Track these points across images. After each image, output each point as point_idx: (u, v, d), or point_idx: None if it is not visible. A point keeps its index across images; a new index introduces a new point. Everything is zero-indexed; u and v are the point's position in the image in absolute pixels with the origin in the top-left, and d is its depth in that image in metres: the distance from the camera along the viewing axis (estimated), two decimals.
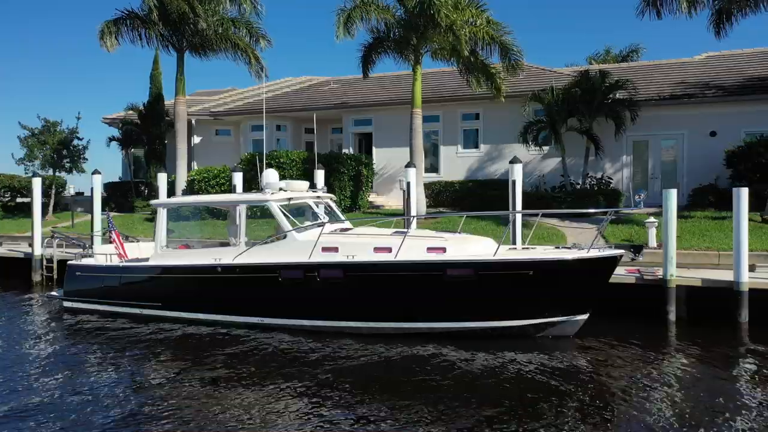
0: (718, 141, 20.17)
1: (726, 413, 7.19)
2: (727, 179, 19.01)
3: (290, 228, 10.98)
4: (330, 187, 20.23)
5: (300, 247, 10.66)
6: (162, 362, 9.52)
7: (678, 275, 11.71)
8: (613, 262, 9.92)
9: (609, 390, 8.07)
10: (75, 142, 25.00)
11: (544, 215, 15.73)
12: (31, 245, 17.54)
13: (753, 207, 16.35)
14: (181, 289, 11.62)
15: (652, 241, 14.08)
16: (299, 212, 12.14)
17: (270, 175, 12.41)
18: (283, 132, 26.62)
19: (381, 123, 24.54)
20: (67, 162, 24.81)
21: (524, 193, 20.55)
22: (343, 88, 27.24)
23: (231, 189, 20.46)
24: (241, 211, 11.40)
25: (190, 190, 21.68)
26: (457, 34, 16.45)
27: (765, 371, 8.89)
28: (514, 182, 12.66)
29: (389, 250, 10.24)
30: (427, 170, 23.92)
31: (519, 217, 12.72)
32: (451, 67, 23.19)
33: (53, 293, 13.69)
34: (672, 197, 11.82)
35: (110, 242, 13.92)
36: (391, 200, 23.27)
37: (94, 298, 12.58)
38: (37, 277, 17.46)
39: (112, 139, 26.92)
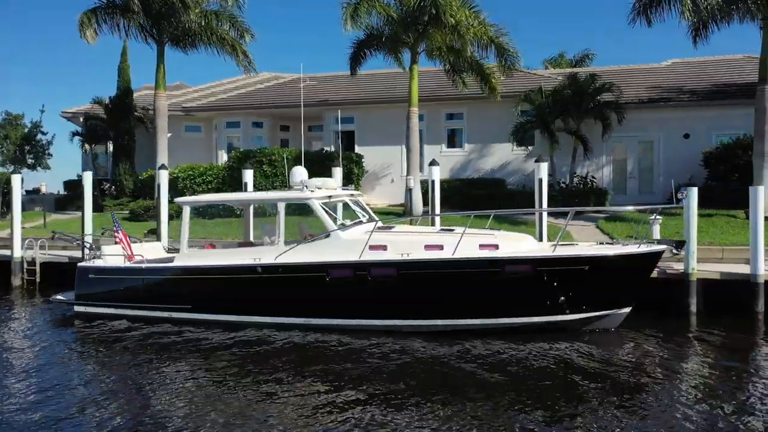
0: (691, 143, 21.37)
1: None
2: (704, 179, 20.18)
3: (334, 226, 10.76)
4: None
5: (347, 245, 10.47)
6: (200, 367, 9.07)
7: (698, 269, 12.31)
8: (658, 257, 10.34)
9: (655, 379, 8.46)
10: (39, 136, 23.46)
11: (547, 213, 16.05)
12: (10, 247, 16.36)
13: (733, 205, 17.52)
14: (215, 290, 11.14)
15: (657, 237, 14.73)
16: (332, 210, 11.91)
17: (300, 173, 12.14)
18: (260, 129, 26.00)
19: (364, 121, 24.43)
20: (30, 158, 23.25)
21: (512, 192, 21.29)
22: (321, 86, 26.91)
23: (220, 187, 19.94)
24: (281, 209, 11.06)
25: (172, 187, 20.80)
26: (462, 34, 16.60)
27: None
28: (540, 180, 12.92)
29: (441, 247, 10.23)
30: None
31: (545, 215, 13.01)
32: (435, 67, 23.53)
33: (59, 297, 12.80)
34: (693, 195, 12.41)
35: (115, 243, 13.19)
36: (374, 198, 23.20)
37: (112, 301, 11.86)
38: (17, 281, 16.27)
39: (75, 134, 25.47)
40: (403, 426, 6.75)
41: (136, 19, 19.84)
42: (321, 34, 73.07)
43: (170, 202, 20.28)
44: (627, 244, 10.41)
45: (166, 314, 11.44)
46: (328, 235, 10.74)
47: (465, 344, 9.62)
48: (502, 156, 23.01)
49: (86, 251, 14.05)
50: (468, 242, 10.18)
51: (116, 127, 24.29)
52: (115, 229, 13.24)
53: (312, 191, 11.17)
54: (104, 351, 10.10)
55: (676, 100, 21.57)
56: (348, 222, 11.37)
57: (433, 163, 14.41)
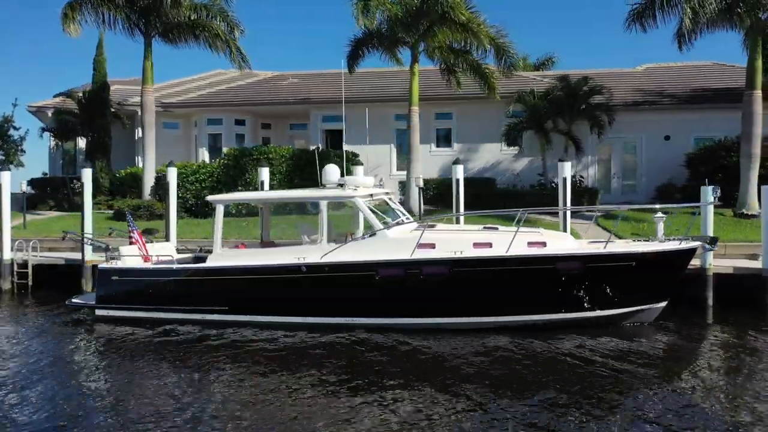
0: (671, 145, 22.36)
1: None
2: (686, 179, 21.17)
3: (380, 225, 10.67)
4: (318, 183, 19.71)
5: (394, 244, 10.41)
6: (247, 371, 8.70)
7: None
8: (693, 253, 10.79)
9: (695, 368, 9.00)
10: (11, 131, 22.16)
11: (550, 211, 16.39)
12: None
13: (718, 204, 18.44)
14: (256, 291, 10.83)
15: (660, 235, 15.34)
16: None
17: (334, 172, 11.99)
18: (242, 127, 25.41)
19: (352, 119, 24.24)
20: (1, 154, 21.93)
21: (502, 191, 21.67)
22: (305, 83, 26.59)
23: (215, 186, 19.38)
24: (323, 208, 10.87)
25: (162, 186, 20.07)
26: (475, 32, 16.76)
27: None
28: (564, 179, 13.23)
29: (490, 245, 10.32)
30: (399, 168, 24.14)
31: (569, 214, 13.34)
32: (425, 67, 23.65)
33: (76, 301, 12.15)
34: (709, 194, 12.99)
35: (130, 243, 12.64)
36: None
37: (139, 304, 11.35)
38: (6, 285, 15.34)
39: (45, 129, 24.18)
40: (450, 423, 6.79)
41: (122, 11, 19.03)
42: (299, 32, 72.13)
43: (161, 201, 19.68)
44: (664, 241, 10.80)
45: (199, 316, 11.04)
46: (373, 234, 10.65)
47: (501, 340, 9.75)
48: (491, 156, 23.38)
49: (96, 252, 13.36)
50: (516, 240, 10.31)
51: (91, 122, 23.22)
52: (130, 229, 12.71)
53: (355, 189, 11.05)
54: (140, 357, 9.55)
55: (658, 103, 22.52)
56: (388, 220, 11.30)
57: (456, 161, 14.51)
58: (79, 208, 22.18)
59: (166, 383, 8.21)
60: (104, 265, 11.75)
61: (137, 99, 25.28)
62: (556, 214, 18.45)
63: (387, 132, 24.16)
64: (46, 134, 24.10)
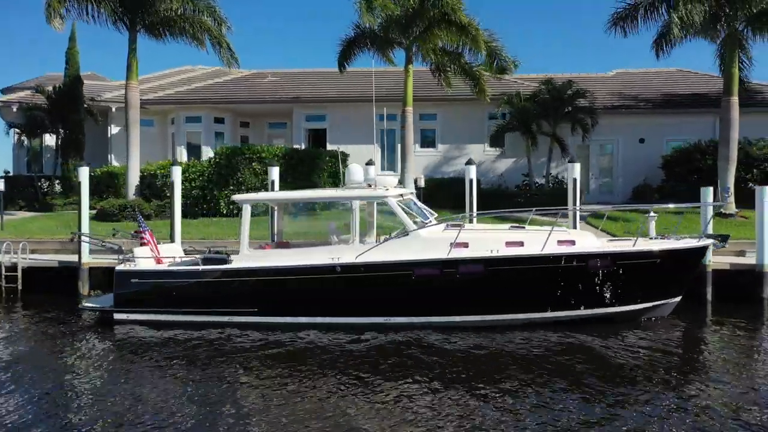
0: (646, 147, 23.36)
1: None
2: (661, 180, 22.19)
3: (413, 225, 10.75)
4: (312, 183, 19.62)
5: (429, 244, 10.51)
6: (280, 374, 8.55)
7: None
8: (706, 250, 11.37)
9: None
10: None
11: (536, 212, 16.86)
12: None
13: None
14: (287, 292, 10.70)
15: (652, 233, 16.05)
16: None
17: (359, 171, 11.98)
18: (222, 125, 24.89)
19: (336, 119, 24.20)
20: None
21: (487, 191, 22.07)
22: (288, 82, 26.29)
23: (206, 185, 18.94)
24: (356, 207, 10.85)
25: (147, 186, 19.48)
26: (474, 36, 17.03)
27: None
28: (575, 180, 13.66)
29: (521, 244, 10.58)
30: (384, 168, 24.23)
31: (578, 213, 13.78)
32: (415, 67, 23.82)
33: (88, 304, 11.67)
34: (709, 194, 13.70)
35: (141, 244, 12.24)
36: None
37: (161, 307, 11.00)
38: None
39: (11, 125, 22.98)
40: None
41: (109, 4, 18.34)
42: (276, 31, 70.90)
43: (148, 201, 19.10)
44: (680, 239, 11.33)
45: (226, 318, 10.81)
46: (406, 234, 10.72)
47: (522, 336, 10.04)
48: (474, 156, 23.57)
49: (93, 254, 12.85)
50: (542, 239, 10.59)
51: (63, 118, 22.24)
52: (141, 229, 12.31)
53: (387, 189, 11.08)
54: (169, 361, 9.17)
55: (633, 107, 23.48)
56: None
57: (470, 162, 14.70)
58: (51, 208, 21.41)
59: (202, 389, 7.94)
60: (122, 267, 11.32)
61: (110, 95, 24.49)
62: (545, 214, 19.05)
63: (371, 132, 24.16)
64: (11, 130, 22.86)
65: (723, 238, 11.72)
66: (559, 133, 21.80)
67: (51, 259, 14.99)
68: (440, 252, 10.40)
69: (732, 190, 12.66)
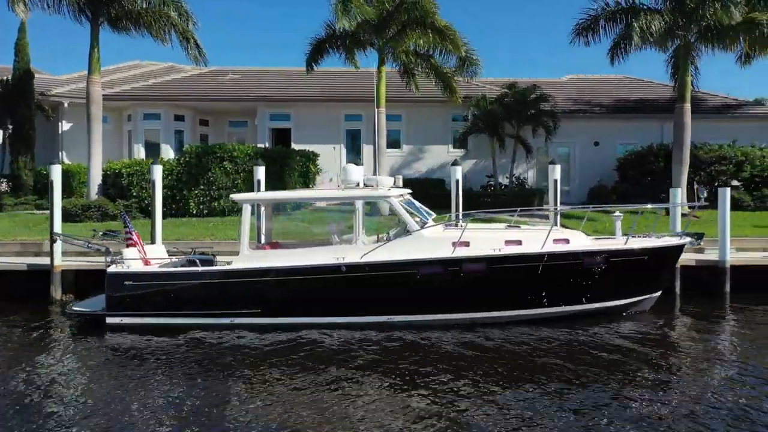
0: (600, 150, 24.50)
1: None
2: (615, 181, 23.34)
3: (416, 225, 10.90)
4: (282, 183, 19.44)
5: (432, 243, 10.71)
6: (287, 374, 8.49)
7: None
8: (683, 247, 12.15)
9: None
10: None
11: (526, 213, 17.44)
12: None
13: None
14: (291, 292, 10.61)
15: (618, 233, 16.92)
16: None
17: (355, 171, 12.01)
18: (182, 123, 24.21)
19: (301, 119, 24.04)
20: None
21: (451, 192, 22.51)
22: (250, 80, 25.85)
23: (175, 184, 18.39)
24: (360, 207, 10.90)
25: (112, 185, 18.73)
26: (453, 39, 17.36)
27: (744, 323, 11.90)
28: (555, 181, 14.22)
29: (520, 242, 10.96)
30: None
31: (558, 215, 14.38)
32: (373, 68, 24.00)
33: (78, 309, 11.15)
34: (678, 195, 14.59)
35: (127, 245, 11.82)
36: None
37: (157, 310, 10.68)
38: None
39: None
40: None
41: None
42: (230, 29, 68.95)
43: (113, 200, 18.36)
44: (660, 237, 12.04)
45: (227, 320, 10.63)
46: (408, 233, 10.87)
47: (514, 332, 10.39)
48: (438, 157, 24.21)
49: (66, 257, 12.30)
50: (542, 238, 11.03)
51: (13, 113, 21.03)
52: (127, 230, 11.89)
53: (389, 189, 11.20)
54: (170, 367, 8.86)
55: (589, 112, 24.58)
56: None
57: (455, 163, 15.00)
58: (1, 208, 20.19)
59: (208, 394, 7.76)
60: (114, 269, 10.90)
61: (62, 89, 23.39)
62: (509, 213, 19.67)
63: (337, 132, 24.22)
64: None
65: (698, 236, 12.54)
66: (522, 135, 22.55)
67: (19, 262, 14.19)
68: (443, 251, 10.62)
69: (705, 191, 13.50)
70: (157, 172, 14.00)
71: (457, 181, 14.43)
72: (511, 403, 7.40)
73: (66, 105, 23.06)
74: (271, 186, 19.17)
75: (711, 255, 14.85)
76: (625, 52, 20.44)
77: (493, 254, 10.63)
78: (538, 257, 10.71)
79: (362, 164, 24.28)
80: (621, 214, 16.69)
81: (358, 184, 11.67)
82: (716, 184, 21.37)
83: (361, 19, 17.46)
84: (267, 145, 23.62)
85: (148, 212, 18.40)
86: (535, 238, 10.99)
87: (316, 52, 19.98)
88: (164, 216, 18.35)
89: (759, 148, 21.96)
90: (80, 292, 13.57)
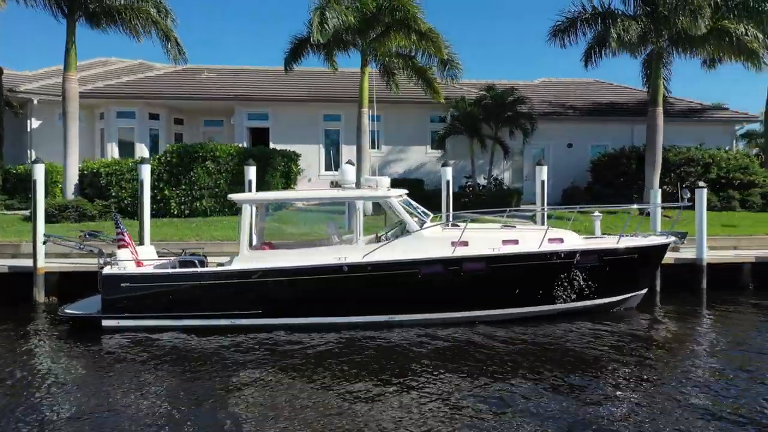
0: (573, 152, 25.14)
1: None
2: (588, 182, 23.98)
3: (416, 225, 11.01)
4: (265, 183, 19.31)
5: (432, 243, 10.86)
6: (290, 375, 8.50)
7: None
8: (668, 246, 12.62)
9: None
10: None
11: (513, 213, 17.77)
12: None
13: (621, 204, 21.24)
14: (293, 292, 10.61)
15: (598, 232, 17.42)
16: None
17: (350, 171, 12.09)
18: (157, 122, 23.75)
19: (279, 118, 23.89)
20: None
21: (432, 192, 22.75)
22: (226, 79, 25.53)
23: (158, 184, 18.05)
24: (360, 207, 10.96)
25: (90, 185, 18.26)
26: (434, 41, 17.55)
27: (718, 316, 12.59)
28: (543, 182, 14.57)
29: (516, 242, 11.22)
30: (327, 168, 24.28)
31: (545, 214, 14.72)
32: (356, 68, 23.98)
33: (71, 312, 10.86)
34: (658, 196, 15.11)
35: (119, 246, 11.59)
36: None
37: (155, 312, 10.52)
38: None
39: None
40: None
41: None
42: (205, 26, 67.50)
43: (91, 201, 17.92)
44: (647, 237, 12.49)
45: (227, 322, 10.55)
46: (407, 233, 10.99)
47: (511, 329, 10.65)
48: (417, 158, 24.42)
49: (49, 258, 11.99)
50: (537, 237, 11.32)
51: None
52: (119, 231, 11.66)
53: (389, 189, 11.29)
54: (170, 372, 8.71)
55: (562, 114, 25.19)
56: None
57: (445, 164, 15.18)
58: None
59: (214, 397, 7.70)
60: (109, 270, 10.69)
61: (31, 86, 22.70)
62: (498, 214, 20.01)
63: (316, 132, 24.18)
64: None
65: (682, 236, 13.06)
66: (500, 136, 22.94)
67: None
68: (443, 251, 10.78)
69: (689, 192, 14.03)
70: (146, 171, 13.76)
71: (448, 182, 14.62)
72: (515, 399, 7.58)
73: (36, 102, 22.38)
74: (246, 186, 19.09)
75: (686, 254, 15.46)
76: (600, 56, 21.11)
77: (492, 253, 10.84)
78: (537, 256, 10.98)
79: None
80: (600, 215, 17.20)
81: (356, 184, 11.75)
82: (684, 185, 22.25)
83: (341, 26, 17.45)
84: (245, 144, 23.40)
85: (127, 212, 18.09)
86: (531, 237, 11.27)
87: (296, 53, 19.89)
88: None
89: (725, 151, 22.93)
90: (63, 295, 13.24)
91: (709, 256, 15.15)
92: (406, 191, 12.26)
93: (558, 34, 20.84)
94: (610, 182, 22.59)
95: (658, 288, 14.57)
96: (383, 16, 17.91)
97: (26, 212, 17.98)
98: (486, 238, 11.16)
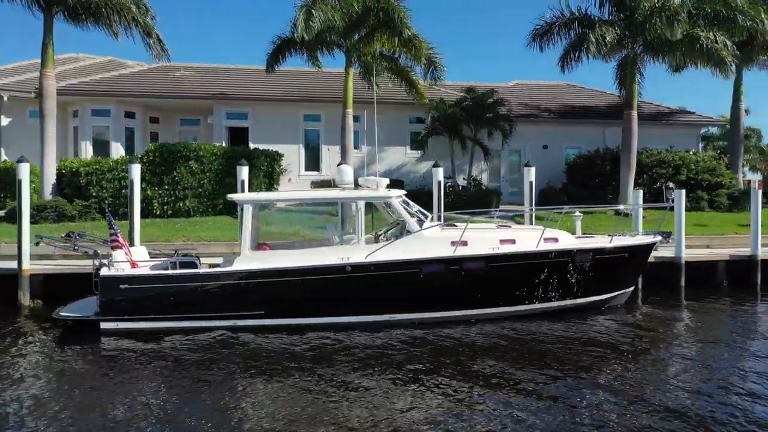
0: (549, 153, 25.70)
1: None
2: (563, 183, 24.56)
3: (416, 225, 11.14)
4: (249, 183, 19.15)
5: (432, 242, 11.01)
6: (297, 377, 8.43)
7: None
8: (654, 245, 13.09)
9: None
10: None
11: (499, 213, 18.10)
12: None
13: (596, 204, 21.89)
14: (296, 292, 10.61)
15: (578, 232, 17.90)
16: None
17: (348, 172, 12.15)
18: (132, 120, 23.27)
19: (259, 118, 23.70)
20: None
21: (412, 192, 22.94)
22: (204, 77, 25.17)
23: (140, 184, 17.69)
24: (361, 207, 11.03)
25: (68, 184, 17.80)
26: (417, 46, 17.74)
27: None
28: (531, 183, 14.90)
29: (513, 241, 11.48)
30: (308, 168, 24.24)
31: (532, 215, 15.06)
32: (338, 69, 23.99)
33: (66, 314, 10.61)
34: (639, 197, 15.63)
35: (112, 247, 11.37)
36: None
37: (156, 314, 10.38)
38: None
39: None
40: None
41: None
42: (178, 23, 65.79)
43: (70, 201, 17.44)
44: (635, 236, 12.93)
45: (229, 323, 10.49)
46: (409, 233, 11.12)
47: (509, 327, 10.93)
48: (397, 158, 24.58)
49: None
50: (533, 236, 11.61)
51: None
52: (112, 232, 11.44)
53: (389, 189, 11.40)
54: (174, 374, 8.58)
55: (538, 116, 25.73)
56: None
57: (436, 165, 15.36)
58: None
59: (219, 399, 7.66)
60: (107, 272, 10.49)
61: (0, 82, 21.95)
62: (471, 214, 20.34)
63: (296, 132, 24.08)
64: None
65: (667, 235, 13.56)
66: (479, 137, 23.31)
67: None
68: (443, 250, 10.96)
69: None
70: (135, 171, 13.53)
71: (439, 182, 14.80)
72: (512, 399, 7.71)
73: (6, 99, 21.66)
74: (238, 186, 18.92)
75: (664, 252, 16.04)
76: (577, 60, 21.65)
77: (492, 253, 11.07)
78: (535, 255, 11.26)
79: (320, 164, 24.39)
80: (581, 215, 17.66)
81: (356, 184, 11.82)
82: (656, 185, 23.07)
83: (325, 26, 17.47)
84: (224, 143, 23.14)
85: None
86: (528, 237, 11.55)
87: (279, 53, 19.81)
88: (126, 217, 17.73)
89: (694, 153, 23.82)
90: (48, 298, 12.96)
91: (688, 254, 15.77)
92: (405, 192, 12.39)
93: (537, 38, 21.31)
94: (585, 183, 23.20)
95: (640, 286, 15.15)
96: (369, 17, 17.99)
97: (0, 212, 17.43)
98: (484, 237, 11.39)
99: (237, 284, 10.57)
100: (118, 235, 11.33)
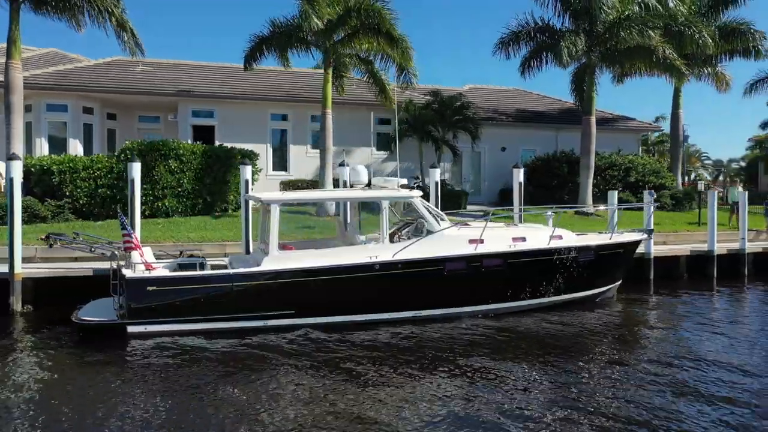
0: (507, 155, 26.80)
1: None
2: (520, 183, 25.66)
3: (438, 224, 11.57)
4: (226, 183, 18.89)
5: (453, 241, 11.47)
6: (336, 375, 8.58)
7: None
8: (641, 241, 14.17)
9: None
10: None
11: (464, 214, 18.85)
12: None
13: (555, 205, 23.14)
14: (326, 291, 10.73)
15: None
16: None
17: (363, 172, 12.41)
18: (91, 116, 22.19)
19: (226, 117, 23.25)
20: None
21: None
22: (165, 73, 24.32)
23: (115, 183, 17.05)
24: (385, 207, 11.30)
25: (37, 183, 16.82)
26: (404, 48, 18.12)
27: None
28: (520, 184, 15.64)
29: (524, 239, 12.15)
30: (275, 168, 24.06)
31: (522, 214, 15.82)
32: (306, 68, 24.00)
33: (88, 318, 10.17)
34: (614, 197, 16.76)
35: (125, 249, 11.06)
36: None
37: (186, 316, 10.19)
38: None
39: None
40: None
41: None
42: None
43: (41, 201, 16.56)
44: (621, 233, 13.95)
45: (260, 323, 10.49)
46: (431, 232, 11.52)
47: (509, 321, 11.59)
48: (363, 158, 24.80)
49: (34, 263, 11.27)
50: (539, 235, 12.33)
51: None
52: (125, 233, 11.13)
53: (412, 189, 11.73)
54: (213, 377, 8.45)
55: (496, 119, 26.78)
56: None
57: (433, 166, 15.76)
58: None
59: (256, 398, 7.69)
60: (132, 273, 10.18)
61: None
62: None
63: (263, 131, 23.81)
64: None
65: (650, 233, 14.70)
66: (446, 139, 24.03)
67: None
68: (464, 248, 11.45)
69: (655, 194, 15.73)
70: (136, 170, 13.11)
71: (437, 183, 15.27)
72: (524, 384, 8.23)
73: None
74: (217, 186, 18.59)
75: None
76: (539, 67, 22.84)
77: (508, 250, 11.67)
78: (548, 252, 11.96)
79: (287, 164, 24.26)
80: (552, 214, 18.68)
81: (368, 185, 12.06)
82: (608, 187, 24.65)
83: (319, 20, 17.59)
84: (190, 141, 22.52)
85: (82, 213, 16.94)
86: (536, 235, 12.25)
87: (256, 50, 19.61)
88: (103, 218, 17.05)
89: (641, 157, 25.63)
90: (39, 302, 12.36)
91: (655, 250, 17.12)
92: (421, 192, 12.81)
93: (503, 46, 22.30)
94: (543, 184, 24.43)
95: None
96: (352, 18, 18.19)
97: None
98: (498, 236, 11.97)
99: (268, 284, 10.56)
100: (132, 236, 11.02)
